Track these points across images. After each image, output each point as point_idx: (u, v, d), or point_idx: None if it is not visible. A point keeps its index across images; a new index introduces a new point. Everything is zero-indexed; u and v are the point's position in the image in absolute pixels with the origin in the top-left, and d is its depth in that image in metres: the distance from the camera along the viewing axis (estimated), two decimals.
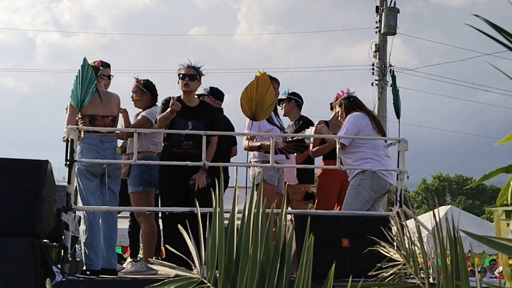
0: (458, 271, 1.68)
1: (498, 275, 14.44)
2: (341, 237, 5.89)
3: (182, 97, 6.47)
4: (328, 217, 6.17)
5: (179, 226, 1.87)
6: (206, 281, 1.59)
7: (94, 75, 6.09)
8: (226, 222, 1.81)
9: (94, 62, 6.45)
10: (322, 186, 7.25)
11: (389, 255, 2.18)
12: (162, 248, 7.42)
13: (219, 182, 1.73)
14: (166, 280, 1.64)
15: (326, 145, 7.07)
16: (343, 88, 7.27)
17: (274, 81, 7.11)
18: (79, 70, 5.99)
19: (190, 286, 1.59)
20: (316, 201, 7.28)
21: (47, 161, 5.40)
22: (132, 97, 7.08)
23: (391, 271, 2.09)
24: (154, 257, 7.05)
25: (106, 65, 6.85)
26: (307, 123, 7.52)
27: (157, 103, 7.07)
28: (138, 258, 7.22)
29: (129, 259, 7.40)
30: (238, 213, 1.77)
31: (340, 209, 7.13)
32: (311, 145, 7.19)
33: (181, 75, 6.45)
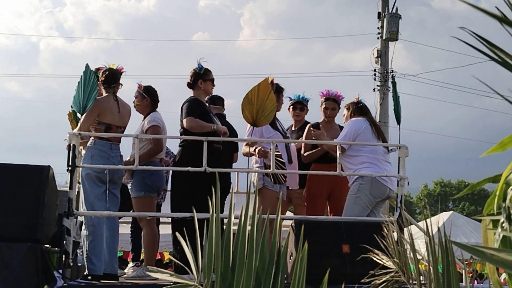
0: (450, 279, 1.70)
1: (502, 281, 14.40)
2: (341, 243, 5.89)
3: (200, 98, 6.66)
4: (328, 223, 6.19)
5: (177, 233, 1.89)
6: None
7: (97, 81, 6.13)
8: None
9: (117, 68, 6.52)
10: (310, 190, 7.27)
11: (382, 263, 2.20)
12: (163, 252, 7.45)
13: (216, 189, 1.76)
14: (164, 287, 1.66)
15: (318, 150, 7.12)
16: (323, 90, 7.38)
17: (280, 92, 7.14)
18: (81, 76, 6.02)
19: None
20: (306, 205, 7.30)
21: (49, 166, 5.43)
22: (133, 102, 7.13)
23: (384, 279, 2.10)
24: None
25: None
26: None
27: (157, 109, 7.12)
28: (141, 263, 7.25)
29: (130, 264, 7.43)
30: (236, 219, 1.80)
31: (331, 213, 7.19)
32: (302, 150, 7.23)
33: (213, 80, 6.72)
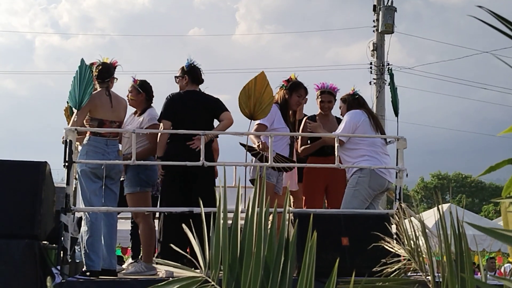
0: (463, 266, 1.67)
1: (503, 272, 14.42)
2: (340, 235, 5.88)
3: None
4: (327, 216, 6.17)
5: (184, 226, 1.86)
6: (210, 280, 1.57)
7: (92, 75, 6.08)
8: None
9: (111, 62, 6.46)
10: (308, 183, 7.24)
11: (394, 251, 2.17)
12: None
13: (225, 181, 1.72)
14: (171, 279, 1.63)
15: (314, 144, 7.10)
16: (318, 83, 7.35)
17: (303, 89, 7.09)
18: (77, 71, 5.98)
19: (195, 285, 1.57)
20: (304, 198, 7.28)
21: (46, 162, 5.40)
22: (127, 96, 7.07)
23: (396, 267, 2.07)
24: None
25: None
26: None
27: (152, 104, 7.08)
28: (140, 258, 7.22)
29: (130, 260, 7.40)
30: (231, 212, 1.76)
31: (329, 206, 7.18)
32: (298, 144, 7.20)
33: None
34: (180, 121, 6.37)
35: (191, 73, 6.64)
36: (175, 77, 6.76)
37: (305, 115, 7.54)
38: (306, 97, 7.46)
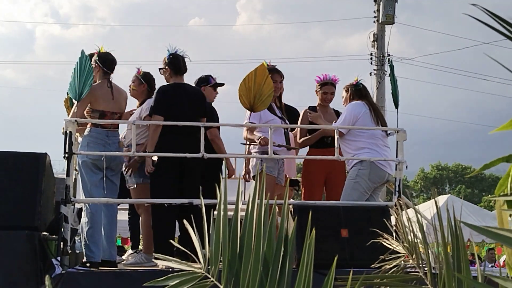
0: (459, 262, 1.68)
1: (503, 264, 14.46)
2: (340, 227, 5.89)
3: None
4: (327, 208, 6.17)
5: (185, 221, 1.86)
6: (209, 276, 1.58)
7: (92, 67, 6.08)
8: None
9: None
10: (307, 175, 7.24)
11: (392, 247, 2.17)
12: None
13: (225, 174, 1.72)
14: (170, 275, 1.63)
15: (314, 135, 7.09)
16: (320, 75, 7.33)
17: (277, 74, 7.04)
18: (77, 63, 5.97)
19: (194, 281, 1.58)
20: (303, 190, 7.28)
21: (46, 154, 5.41)
22: (129, 86, 7.09)
23: (394, 263, 2.08)
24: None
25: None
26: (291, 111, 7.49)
27: (153, 96, 7.07)
28: (140, 249, 7.24)
29: (130, 251, 7.41)
30: (231, 204, 1.76)
31: (328, 198, 7.18)
32: (298, 136, 7.19)
33: None
34: (173, 116, 6.24)
35: (172, 64, 6.49)
36: (159, 69, 6.63)
37: (285, 104, 7.52)
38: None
